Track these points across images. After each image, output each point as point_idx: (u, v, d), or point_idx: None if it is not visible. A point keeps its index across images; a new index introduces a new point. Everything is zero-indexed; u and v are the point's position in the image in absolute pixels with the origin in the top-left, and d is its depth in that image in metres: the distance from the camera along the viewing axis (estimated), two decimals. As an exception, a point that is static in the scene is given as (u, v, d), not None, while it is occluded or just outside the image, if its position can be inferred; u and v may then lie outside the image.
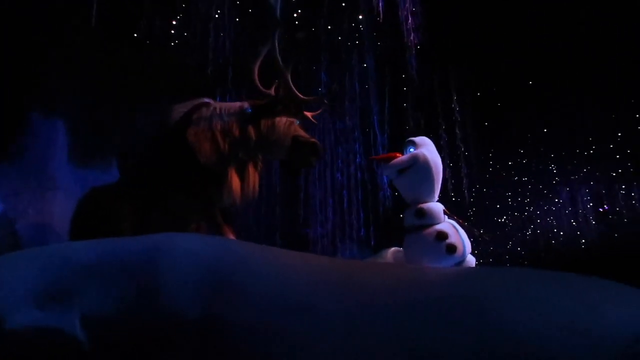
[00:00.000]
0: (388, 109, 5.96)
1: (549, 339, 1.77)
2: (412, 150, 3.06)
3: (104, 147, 4.55)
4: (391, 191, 5.82)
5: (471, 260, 3.08)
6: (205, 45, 5.06)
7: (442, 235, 2.86)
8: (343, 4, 5.29)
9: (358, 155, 5.84)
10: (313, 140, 3.26)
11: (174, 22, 5.03)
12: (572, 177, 10.37)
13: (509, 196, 9.98)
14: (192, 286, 2.09)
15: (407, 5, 4.69)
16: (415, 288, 2.16)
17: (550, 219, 11.11)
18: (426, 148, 3.10)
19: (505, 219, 10.27)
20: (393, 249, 3.60)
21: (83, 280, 1.94)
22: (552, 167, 10.20)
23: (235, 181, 3.24)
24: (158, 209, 3.30)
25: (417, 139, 3.16)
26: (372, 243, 5.96)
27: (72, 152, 4.24)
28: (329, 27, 5.54)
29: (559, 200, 10.84)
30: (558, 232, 11.15)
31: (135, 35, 4.96)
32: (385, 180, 5.77)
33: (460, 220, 3.11)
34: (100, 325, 1.93)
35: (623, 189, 10.15)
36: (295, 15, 5.05)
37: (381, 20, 4.72)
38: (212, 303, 2.06)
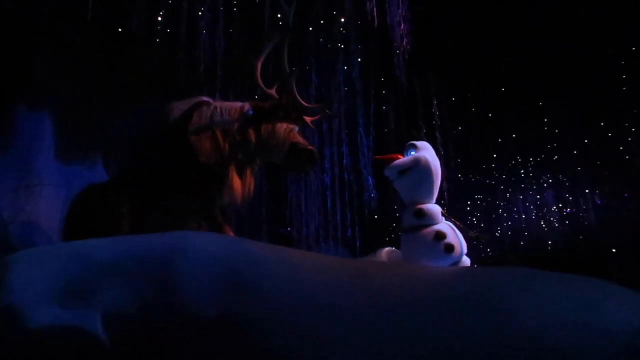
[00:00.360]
0: (373, 111, 6.08)
1: (558, 334, 1.86)
2: (413, 153, 3.16)
3: (89, 144, 4.46)
4: (377, 193, 5.95)
5: (466, 261, 3.20)
6: (196, 43, 5.03)
7: (441, 235, 2.96)
8: (330, 9, 5.37)
9: (345, 157, 5.94)
10: (310, 147, 3.31)
11: (163, 19, 4.98)
12: (539, 181, 10.80)
13: (478, 198, 10.32)
14: (209, 285, 2.10)
15: (400, 10, 4.81)
16: (429, 286, 2.23)
17: (517, 221, 11.49)
18: (427, 152, 3.20)
19: (473, 219, 10.56)
20: (387, 249, 3.70)
21: (103, 278, 1.93)
22: (520, 171, 10.59)
23: (236, 181, 3.26)
24: (157, 208, 3.29)
25: (419, 143, 3.26)
26: (358, 244, 6.06)
27: (57, 148, 4.15)
28: (314, 29, 5.60)
29: (525, 203, 11.24)
30: (524, 233, 11.55)
31: (123, 30, 4.89)
32: (370, 182, 5.90)
33: (457, 222, 3.24)
34: (120, 323, 1.92)
35: (586, 193, 10.60)
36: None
37: (376, 25, 4.81)
38: (229, 301, 2.08)
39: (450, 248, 2.97)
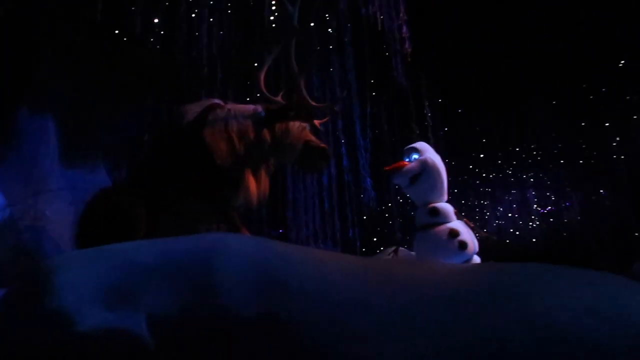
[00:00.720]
0: (369, 112, 6.17)
1: (588, 328, 1.94)
2: (416, 157, 3.26)
3: (90, 147, 4.42)
4: (375, 193, 6.04)
5: (477, 260, 3.31)
6: (195, 44, 5.03)
7: (455, 233, 3.07)
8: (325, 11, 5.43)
9: (344, 158, 6.00)
10: (323, 146, 3.38)
11: (162, 19, 4.96)
12: (520, 180, 11.09)
13: (464, 196, 10.54)
14: (247, 286, 2.13)
15: (401, 15, 4.90)
16: (456, 281, 2.29)
17: (500, 220, 11.75)
18: (429, 153, 3.31)
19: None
20: (394, 247, 3.80)
21: (146, 281, 1.94)
22: (504, 170, 10.86)
23: (252, 183, 3.28)
24: (171, 210, 3.29)
25: (419, 145, 3.36)
26: (358, 244, 6.12)
27: (60, 152, 4.09)
28: (310, 31, 5.65)
29: (507, 202, 11.52)
30: (506, 231, 11.81)
31: (121, 31, 4.85)
32: (369, 183, 6.00)
33: (468, 221, 3.35)
34: (164, 324, 1.94)
35: (566, 192, 10.92)
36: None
37: (380, 28, 4.89)
38: (267, 301, 2.11)
39: (464, 245, 3.07)
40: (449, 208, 3.18)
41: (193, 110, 3.43)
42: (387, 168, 3.40)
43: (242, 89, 5.14)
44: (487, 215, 10.49)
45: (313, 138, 3.36)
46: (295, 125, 3.33)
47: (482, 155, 9.91)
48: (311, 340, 2.00)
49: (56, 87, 4.13)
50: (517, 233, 10.82)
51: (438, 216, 3.11)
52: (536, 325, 1.97)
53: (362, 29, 5.29)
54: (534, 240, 10.66)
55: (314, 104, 3.45)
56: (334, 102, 3.82)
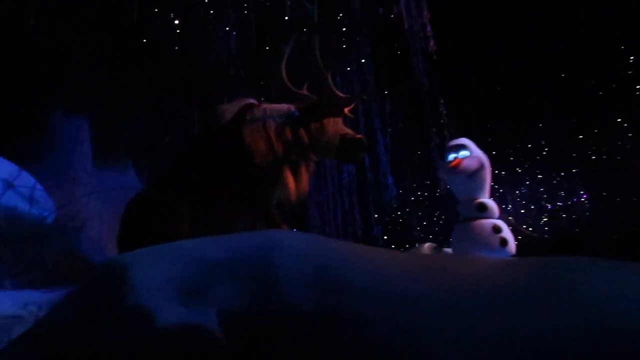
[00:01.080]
0: (389, 110, 6.21)
1: (632, 316, 1.99)
2: (465, 153, 3.30)
3: (120, 149, 4.46)
4: (397, 191, 6.08)
5: (509, 259, 3.35)
6: (224, 47, 5.07)
7: (498, 228, 3.10)
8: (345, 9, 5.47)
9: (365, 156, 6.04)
10: (359, 136, 3.43)
11: (186, 23, 5.00)
12: (532, 177, 11.13)
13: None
14: (304, 281, 2.16)
15: (425, 13, 4.93)
16: (508, 275, 2.32)
17: (509, 216, 11.79)
18: (476, 149, 3.35)
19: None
20: (428, 244, 3.83)
21: (214, 277, 1.97)
22: (515, 166, 10.90)
23: (291, 181, 3.32)
24: (213, 209, 3.33)
25: (466, 142, 3.40)
26: (381, 243, 6.16)
27: (93, 153, 4.13)
28: (329, 28, 5.69)
29: (518, 198, 11.57)
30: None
31: (146, 35, 4.89)
32: (390, 181, 6.04)
33: (509, 220, 3.40)
34: (232, 320, 1.98)
35: (575, 189, 10.96)
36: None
37: (406, 26, 4.93)
38: (324, 296, 2.14)
39: (505, 242, 3.11)
40: (494, 205, 3.23)
41: (230, 110, 3.47)
42: (452, 165, 3.42)
43: (264, 87, 5.18)
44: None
45: (348, 130, 3.42)
46: (330, 121, 3.37)
47: (493, 153, 9.96)
48: (370, 335, 2.04)
49: (87, 89, 4.17)
50: (530, 229, 10.88)
51: (486, 211, 3.16)
52: (590, 316, 2.00)
53: (381, 27, 5.34)
54: (545, 236, 10.70)
55: (342, 95, 3.50)
56: (362, 92, 3.85)
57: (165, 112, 5.08)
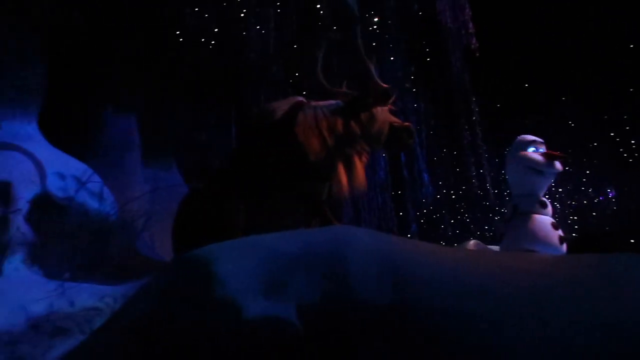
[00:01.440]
0: (423, 109, 6.22)
1: None
2: (541, 150, 3.33)
3: (165, 147, 4.54)
4: (433, 189, 6.10)
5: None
6: (266, 45, 5.13)
7: (556, 226, 3.12)
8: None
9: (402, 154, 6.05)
10: (407, 124, 3.47)
11: (225, 23, 5.07)
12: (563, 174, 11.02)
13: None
14: (374, 275, 2.20)
15: (467, 11, 4.93)
16: (566, 270, 2.35)
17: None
18: None
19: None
20: (473, 241, 3.85)
21: (292, 271, 2.02)
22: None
23: (344, 175, 3.37)
24: (268, 204, 3.38)
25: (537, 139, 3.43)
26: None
27: (141, 151, 4.23)
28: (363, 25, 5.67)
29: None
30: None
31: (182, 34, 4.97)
32: (426, 179, 6.05)
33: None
34: (310, 312, 2.02)
35: (602, 186, 10.84)
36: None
37: (450, 25, 4.93)
38: (394, 291, 2.17)
39: (563, 240, 3.12)
40: (549, 204, 3.26)
41: (281, 108, 3.51)
42: (547, 153, 3.44)
43: (300, 83, 5.22)
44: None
45: (395, 119, 3.46)
46: (378, 110, 3.42)
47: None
48: (441, 329, 2.06)
49: (133, 89, 4.26)
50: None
51: (545, 208, 3.18)
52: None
53: (416, 24, 5.35)
54: (574, 235, 10.61)
55: (386, 86, 3.54)
56: (405, 81, 3.89)
57: (203, 110, 5.16)
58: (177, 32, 4.88)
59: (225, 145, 5.53)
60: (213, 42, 5.16)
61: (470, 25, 4.95)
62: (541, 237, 3.04)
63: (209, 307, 1.87)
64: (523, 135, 3.51)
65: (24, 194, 2.26)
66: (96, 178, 2.77)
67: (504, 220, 3.61)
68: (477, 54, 5.21)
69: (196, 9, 4.95)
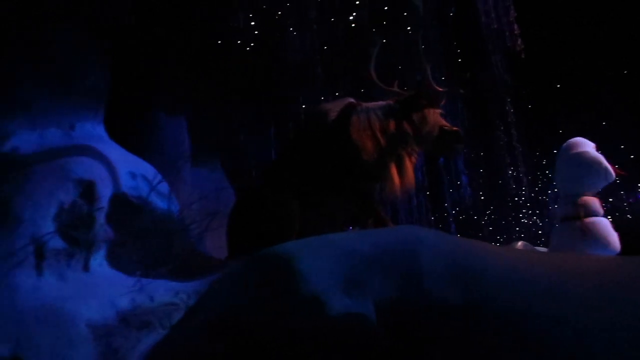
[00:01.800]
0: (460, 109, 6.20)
1: None
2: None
3: (211, 148, 4.63)
4: (470, 190, 6.10)
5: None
6: (312, 45, 5.18)
7: (614, 228, 3.11)
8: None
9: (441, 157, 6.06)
10: (456, 129, 3.49)
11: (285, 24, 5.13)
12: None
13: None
14: (446, 275, 2.22)
15: (512, 12, 4.92)
16: (630, 271, 2.35)
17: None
18: None
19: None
20: (521, 242, 3.85)
21: (369, 269, 2.06)
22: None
23: (397, 176, 3.40)
24: (323, 204, 3.43)
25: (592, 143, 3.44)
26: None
27: (190, 152, 4.32)
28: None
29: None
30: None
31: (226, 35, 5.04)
32: (465, 181, 6.06)
33: None
34: (386, 310, 2.06)
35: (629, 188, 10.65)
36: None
37: (496, 26, 4.93)
38: (467, 290, 2.19)
39: (620, 241, 3.11)
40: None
41: (334, 109, 3.57)
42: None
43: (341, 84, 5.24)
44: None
45: (446, 122, 3.48)
46: (430, 112, 3.45)
47: (554, 151, 9.73)
48: (514, 327, 2.08)
49: (182, 92, 4.35)
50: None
51: (601, 210, 3.20)
52: None
53: (459, 25, 5.33)
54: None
55: (441, 89, 3.56)
56: (459, 86, 3.92)
57: (243, 112, 5.24)
58: (223, 35, 4.96)
59: (263, 146, 5.61)
60: (253, 43, 5.24)
61: (516, 26, 4.92)
62: (605, 239, 3.03)
63: (293, 303, 1.92)
64: (578, 138, 3.50)
65: (104, 192, 2.35)
66: (160, 178, 2.85)
67: (555, 220, 3.62)
68: (523, 56, 5.19)
69: (239, 11, 5.03)
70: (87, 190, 2.29)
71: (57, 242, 2.12)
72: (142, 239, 2.50)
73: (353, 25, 5.02)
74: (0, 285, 1.86)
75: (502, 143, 7.06)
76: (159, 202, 2.70)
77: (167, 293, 2.28)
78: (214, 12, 4.85)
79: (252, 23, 5.28)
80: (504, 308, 2.12)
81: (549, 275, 2.29)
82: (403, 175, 3.45)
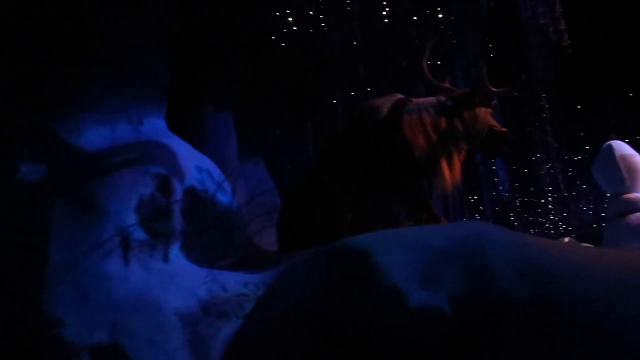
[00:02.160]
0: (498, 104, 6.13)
1: None
2: None
3: (255, 142, 4.70)
4: (509, 185, 6.08)
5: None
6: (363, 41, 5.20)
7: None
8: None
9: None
10: (505, 129, 3.50)
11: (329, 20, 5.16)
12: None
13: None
14: (515, 269, 2.23)
15: (557, 7, 4.87)
16: None
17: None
18: None
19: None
20: (568, 238, 3.85)
21: (441, 263, 2.10)
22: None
23: (447, 171, 3.43)
24: (374, 199, 3.47)
25: None
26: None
27: (238, 146, 4.40)
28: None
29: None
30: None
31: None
32: (502, 176, 6.04)
33: None
34: (459, 303, 2.09)
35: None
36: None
37: (543, 22, 4.90)
38: (536, 284, 2.20)
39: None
40: None
41: (385, 105, 3.60)
42: None
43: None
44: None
45: (495, 122, 3.48)
46: (482, 111, 3.46)
47: (587, 147, 9.62)
48: (586, 324, 2.09)
49: (230, 87, 4.42)
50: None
51: None
52: None
53: (494, 21, 5.28)
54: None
55: (494, 89, 3.56)
56: (513, 86, 3.91)
57: (283, 107, 5.30)
58: (266, 32, 5.01)
59: (299, 142, 5.66)
60: (292, 39, 5.28)
61: (562, 22, 4.86)
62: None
63: (373, 295, 1.96)
64: (618, 141, 3.54)
65: (177, 186, 2.42)
66: (220, 173, 2.92)
67: (608, 217, 3.61)
68: (569, 51, 5.12)
69: (281, 8, 5.07)
70: (164, 183, 2.37)
71: (140, 234, 2.21)
72: (207, 232, 2.57)
73: (389, 20, 5.04)
74: (92, 274, 1.94)
75: (536, 139, 7.01)
76: (221, 197, 2.77)
77: (238, 284, 2.35)
78: (256, 10, 4.91)
79: (290, 19, 5.33)
80: (575, 304, 2.13)
81: (616, 271, 2.29)
82: (452, 172, 3.48)
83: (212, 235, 2.59)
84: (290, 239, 3.47)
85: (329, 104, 5.64)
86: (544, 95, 7.43)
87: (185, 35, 3.95)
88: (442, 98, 3.56)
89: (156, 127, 2.80)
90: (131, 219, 2.23)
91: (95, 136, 2.53)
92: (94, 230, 2.07)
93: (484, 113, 3.50)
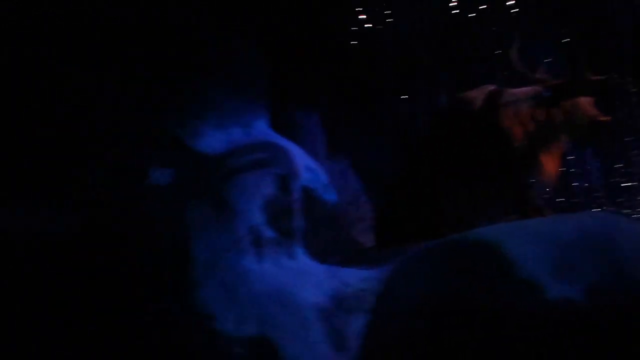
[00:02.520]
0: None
1: None
2: None
3: (341, 143, 4.76)
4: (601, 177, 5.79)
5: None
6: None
7: None
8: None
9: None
10: (609, 118, 3.32)
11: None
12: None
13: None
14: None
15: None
16: None
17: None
18: None
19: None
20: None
21: (575, 254, 2.06)
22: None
23: (547, 162, 3.32)
24: (472, 192, 3.42)
25: None
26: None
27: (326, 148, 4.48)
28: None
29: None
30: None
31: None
32: (594, 166, 5.78)
33: None
34: (595, 295, 2.03)
35: None
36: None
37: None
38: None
39: None
40: None
41: (479, 97, 3.52)
42: None
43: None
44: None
45: (597, 111, 3.33)
46: (582, 100, 3.31)
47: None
48: None
49: (316, 89, 4.51)
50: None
51: None
52: None
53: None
54: None
55: (595, 78, 3.41)
56: (615, 75, 3.75)
57: (362, 107, 5.32)
58: (347, 32, 5.06)
59: (377, 141, 5.64)
60: (362, 38, 5.29)
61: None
62: None
63: (510, 287, 1.95)
64: None
65: (295, 185, 2.51)
66: (323, 172, 3.00)
67: None
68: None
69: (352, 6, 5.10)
70: (283, 183, 2.47)
71: (268, 232, 2.31)
72: (322, 229, 2.64)
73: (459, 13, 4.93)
74: (233, 270, 2.06)
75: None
76: (328, 196, 2.83)
77: (357, 280, 2.39)
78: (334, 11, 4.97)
79: (363, 16, 5.33)
80: None
81: None
82: (552, 164, 3.37)
83: (325, 233, 2.65)
84: (392, 232, 3.49)
85: (408, 101, 5.59)
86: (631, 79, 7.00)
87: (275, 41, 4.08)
88: (539, 88, 3.45)
89: (263, 129, 2.92)
90: (258, 218, 2.35)
91: (213, 140, 2.67)
92: (228, 230, 2.19)
93: (585, 103, 3.35)
